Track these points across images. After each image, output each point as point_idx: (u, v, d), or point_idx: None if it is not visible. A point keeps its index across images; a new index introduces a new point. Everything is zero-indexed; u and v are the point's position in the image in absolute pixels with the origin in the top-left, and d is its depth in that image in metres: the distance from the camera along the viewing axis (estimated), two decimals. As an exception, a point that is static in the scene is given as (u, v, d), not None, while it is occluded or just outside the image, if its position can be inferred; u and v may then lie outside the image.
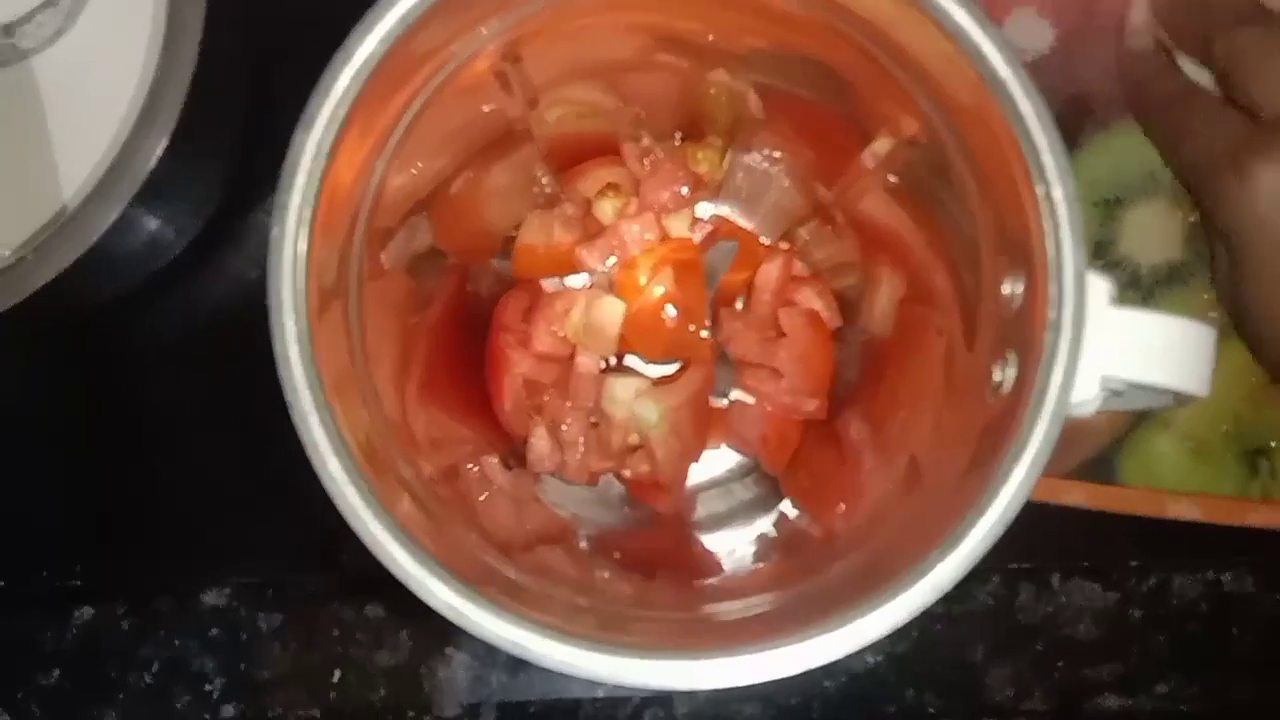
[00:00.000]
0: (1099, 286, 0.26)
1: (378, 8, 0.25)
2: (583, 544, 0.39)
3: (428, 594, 0.25)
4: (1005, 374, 0.27)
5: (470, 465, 0.38)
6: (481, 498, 0.38)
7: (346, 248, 0.29)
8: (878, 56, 0.29)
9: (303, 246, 0.25)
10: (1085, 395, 0.26)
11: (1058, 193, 0.25)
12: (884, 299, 0.39)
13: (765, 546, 0.40)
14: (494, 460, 0.38)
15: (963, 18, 0.25)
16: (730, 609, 0.30)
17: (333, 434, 0.24)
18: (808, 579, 0.31)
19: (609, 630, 0.27)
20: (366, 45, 0.25)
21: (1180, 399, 0.28)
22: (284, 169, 0.25)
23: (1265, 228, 0.36)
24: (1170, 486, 0.43)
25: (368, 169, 0.30)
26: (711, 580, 0.37)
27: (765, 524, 0.41)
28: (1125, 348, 0.26)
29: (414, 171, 0.34)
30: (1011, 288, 0.27)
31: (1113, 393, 0.27)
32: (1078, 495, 0.43)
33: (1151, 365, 0.26)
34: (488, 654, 0.44)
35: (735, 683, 0.25)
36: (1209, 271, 0.44)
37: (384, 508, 0.24)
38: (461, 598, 0.24)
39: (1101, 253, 0.44)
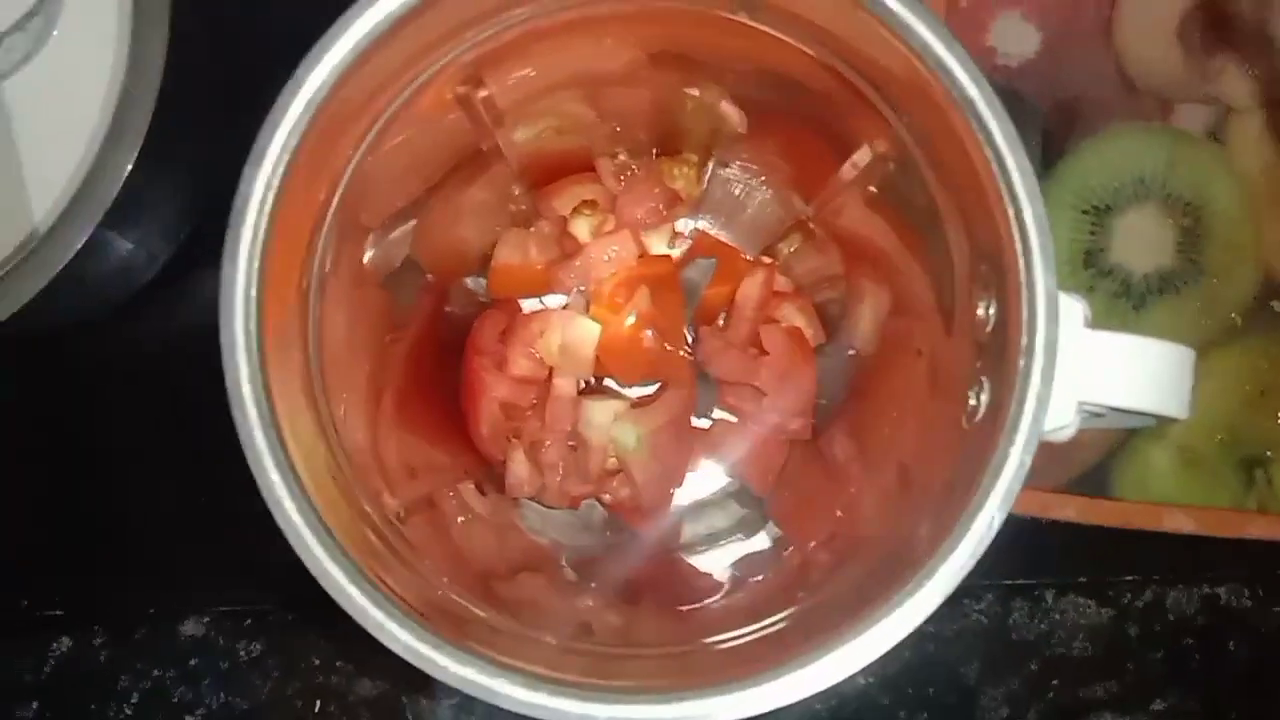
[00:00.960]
0: (1074, 308, 0.25)
1: (327, 38, 0.25)
2: (565, 571, 0.38)
3: (392, 640, 0.24)
4: (980, 399, 0.26)
5: (449, 493, 0.37)
6: (459, 521, 0.37)
7: (307, 273, 0.28)
8: (848, 75, 0.28)
9: (254, 289, 0.24)
10: (1062, 420, 0.25)
11: (1028, 215, 0.24)
12: (869, 313, 0.39)
13: (753, 568, 0.39)
14: (470, 486, 0.37)
15: (929, 36, 0.24)
16: (720, 639, 0.29)
17: (290, 480, 0.24)
18: (797, 604, 0.30)
19: (599, 673, 0.26)
20: (316, 76, 0.25)
21: (1162, 420, 0.27)
22: (234, 205, 0.24)
23: None
24: (1165, 499, 0.43)
25: (328, 196, 0.29)
26: (699, 606, 0.36)
27: (753, 544, 0.40)
28: (1102, 371, 0.25)
29: (389, 185, 0.33)
30: (985, 309, 0.27)
31: (1092, 414, 0.26)
32: (1071, 510, 0.42)
33: (1129, 389, 0.26)
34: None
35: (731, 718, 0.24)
36: (1201, 277, 0.43)
37: (345, 555, 0.24)
38: (432, 647, 0.24)
39: (1092, 261, 0.44)
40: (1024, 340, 0.24)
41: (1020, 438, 0.24)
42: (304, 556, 0.24)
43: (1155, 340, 0.26)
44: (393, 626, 0.24)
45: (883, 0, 0.24)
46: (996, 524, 0.24)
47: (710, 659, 0.30)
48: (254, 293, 0.24)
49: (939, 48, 0.24)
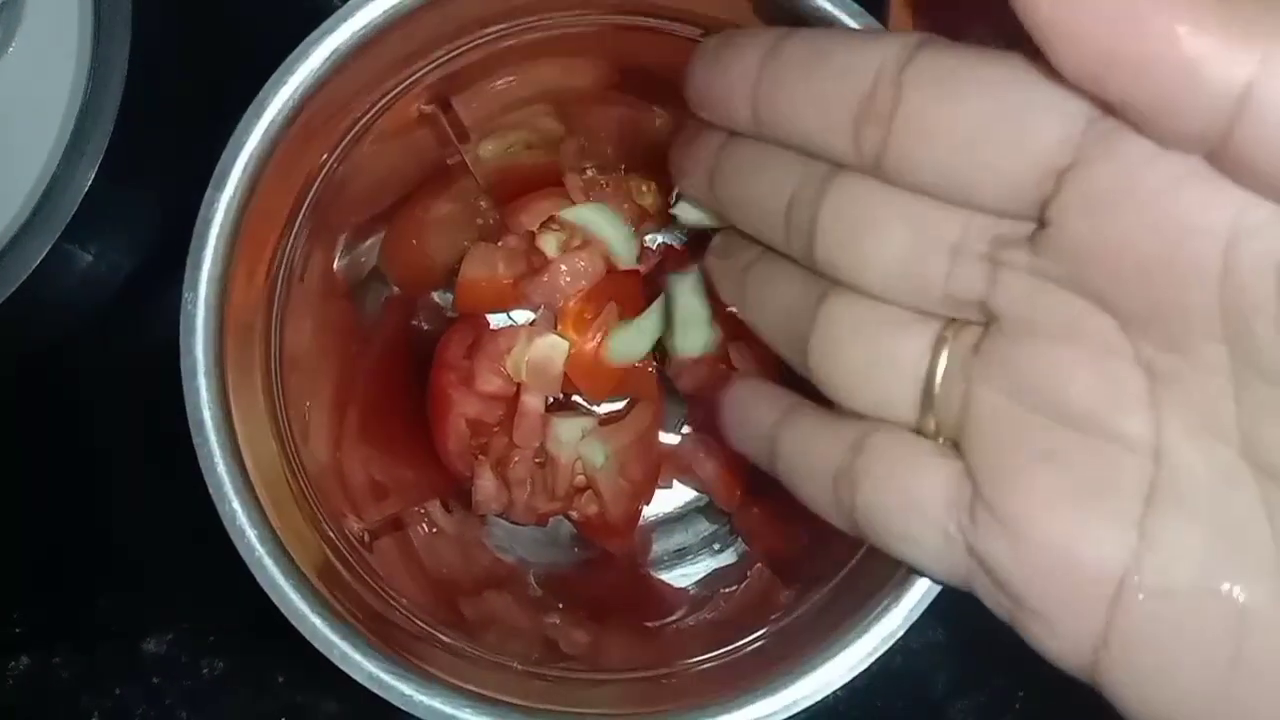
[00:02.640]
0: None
1: (290, 60, 0.24)
2: (532, 588, 0.38)
3: (352, 667, 0.24)
4: None
5: (419, 511, 0.37)
6: (425, 533, 0.37)
7: (269, 301, 0.28)
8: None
9: (214, 315, 0.24)
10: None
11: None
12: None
13: (721, 583, 0.39)
14: (436, 504, 0.37)
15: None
16: (688, 663, 0.29)
17: (251, 507, 0.23)
18: (766, 626, 0.30)
19: (568, 701, 0.26)
20: (279, 99, 0.24)
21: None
22: (195, 229, 0.24)
23: None
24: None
25: (292, 215, 0.29)
26: (668, 624, 0.36)
27: (722, 560, 0.40)
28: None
29: (357, 196, 0.33)
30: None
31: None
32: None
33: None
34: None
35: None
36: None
37: (304, 581, 0.23)
38: (393, 675, 0.23)
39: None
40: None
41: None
42: (266, 586, 0.24)
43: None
44: (357, 657, 0.24)
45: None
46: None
47: (678, 684, 0.30)
48: (214, 318, 0.24)
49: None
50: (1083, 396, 0.17)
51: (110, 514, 0.44)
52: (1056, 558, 0.17)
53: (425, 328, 0.40)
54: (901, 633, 0.24)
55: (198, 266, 0.24)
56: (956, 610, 0.44)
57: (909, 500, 0.19)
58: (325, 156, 0.28)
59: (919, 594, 0.25)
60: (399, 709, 0.42)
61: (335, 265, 0.36)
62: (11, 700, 0.43)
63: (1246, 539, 0.17)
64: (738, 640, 0.30)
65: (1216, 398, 0.16)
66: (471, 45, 0.28)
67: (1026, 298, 0.18)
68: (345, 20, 0.25)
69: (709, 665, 0.30)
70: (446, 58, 0.28)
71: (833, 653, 0.25)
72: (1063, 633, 0.18)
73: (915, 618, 0.24)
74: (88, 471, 0.44)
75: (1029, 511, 0.18)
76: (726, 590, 0.38)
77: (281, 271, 0.28)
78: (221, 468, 0.23)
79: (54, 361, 0.44)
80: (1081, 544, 0.17)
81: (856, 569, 0.30)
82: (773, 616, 0.31)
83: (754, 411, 0.22)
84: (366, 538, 0.30)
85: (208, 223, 0.24)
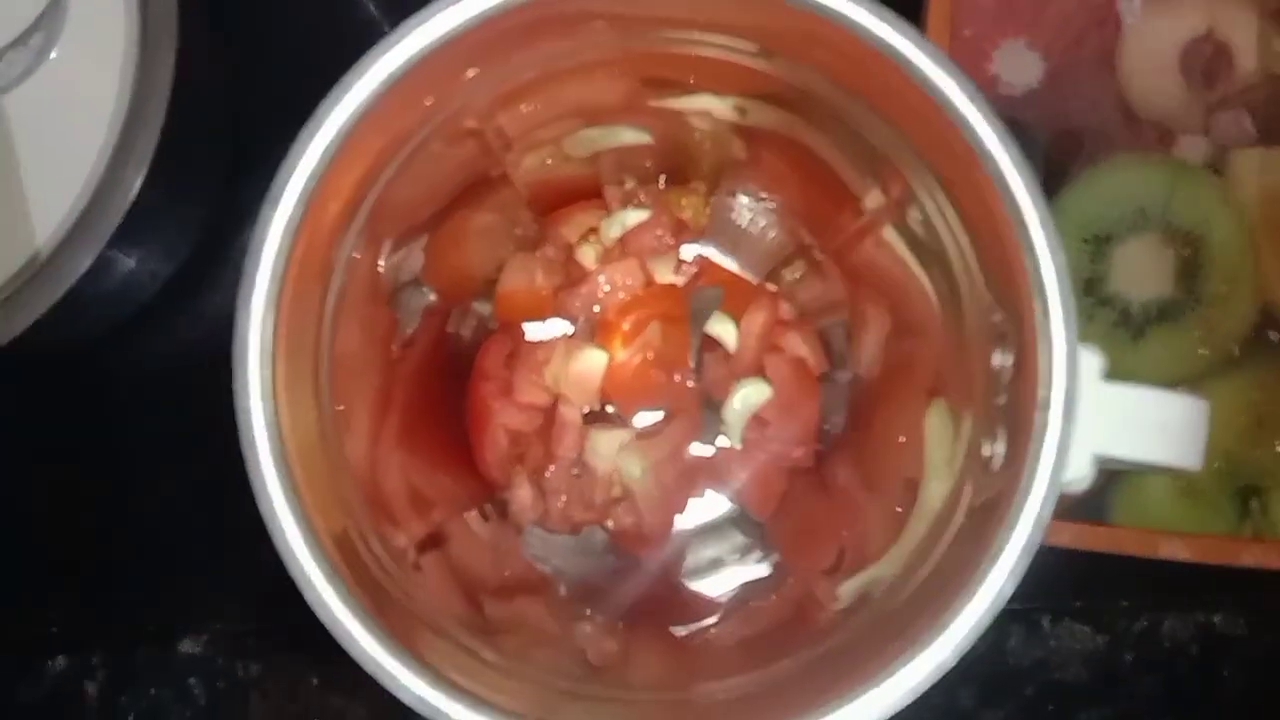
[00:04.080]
0: (1090, 362, 0.25)
1: (349, 76, 0.24)
2: (564, 595, 0.38)
3: (399, 689, 0.24)
4: (994, 449, 0.27)
5: (460, 520, 0.37)
6: (458, 543, 0.37)
7: (320, 315, 0.28)
8: (867, 120, 0.29)
9: (269, 331, 0.24)
10: (1078, 474, 0.25)
11: (1047, 269, 0.24)
12: (872, 339, 0.39)
13: (755, 594, 0.39)
14: (474, 513, 0.37)
15: (954, 91, 0.24)
16: (715, 689, 0.29)
17: (306, 530, 0.24)
18: (799, 652, 0.30)
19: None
20: (335, 117, 0.25)
21: (1176, 471, 0.27)
22: (250, 246, 0.24)
23: None
24: (1161, 526, 0.43)
25: (341, 229, 0.29)
26: (700, 637, 0.36)
27: (756, 571, 0.40)
28: (1118, 425, 0.25)
29: (395, 218, 0.33)
30: (1001, 359, 0.27)
31: (1106, 464, 0.27)
32: (1067, 536, 0.42)
33: (1145, 442, 0.26)
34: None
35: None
36: (1199, 307, 0.43)
37: (360, 603, 0.24)
38: (433, 692, 0.24)
39: (1091, 290, 0.44)
40: (1041, 394, 0.24)
41: (1038, 493, 0.24)
42: (318, 610, 0.24)
43: (1170, 393, 0.26)
44: (409, 678, 0.24)
45: (905, 55, 0.24)
46: (1017, 577, 0.24)
47: (708, 709, 0.30)
48: (269, 337, 0.24)
49: (962, 103, 0.24)
50: None
51: (146, 516, 0.44)
52: None
53: (464, 336, 0.40)
54: (945, 671, 0.24)
55: (251, 285, 0.24)
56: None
57: None
58: (377, 172, 0.28)
59: (968, 630, 0.25)
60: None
61: (380, 271, 0.36)
62: (47, 701, 0.43)
63: None
64: (771, 662, 0.30)
65: None
66: (521, 69, 0.28)
67: None
68: (402, 39, 0.25)
69: (741, 690, 0.30)
70: (504, 78, 0.28)
71: (871, 685, 0.25)
72: None
73: (961, 655, 0.24)
74: (126, 473, 0.45)
75: None
76: (759, 602, 0.38)
77: (333, 284, 0.29)
78: (281, 501, 0.24)
79: (91, 364, 0.45)
80: None
81: (891, 606, 0.30)
82: (807, 639, 0.31)
83: None
84: (411, 555, 0.30)
85: (262, 240, 0.24)
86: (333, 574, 0.24)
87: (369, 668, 0.24)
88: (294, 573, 0.24)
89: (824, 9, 0.24)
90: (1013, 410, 0.26)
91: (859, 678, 0.25)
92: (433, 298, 0.40)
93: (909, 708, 0.43)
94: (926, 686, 0.24)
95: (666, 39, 0.30)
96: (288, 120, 0.25)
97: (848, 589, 0.32)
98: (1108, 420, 0.25)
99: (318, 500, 0.25)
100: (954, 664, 0.24)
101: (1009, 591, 0.24)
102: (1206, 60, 0.43)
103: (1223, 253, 0.44)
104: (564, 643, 0.35)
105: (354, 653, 0.24)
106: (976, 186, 0.25)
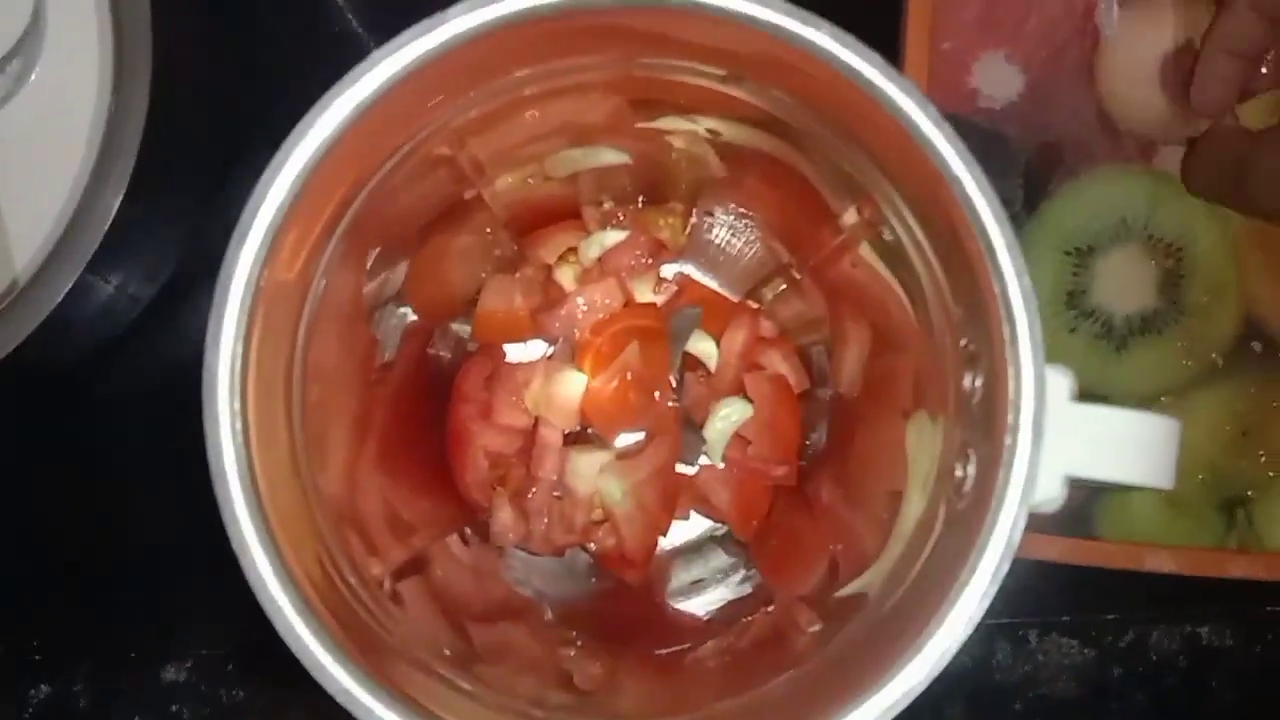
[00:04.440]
0: (1059, 383, 0.25)
1: (311, 114, 0.24)
2: (548, 620, 0.38)
3: None
4: (967, 470, 0.26)
5: (441, 545, 0.37)
6: (439, 571, 0.37)
7: (291, 348, 0.28)
8: (837, 143, 0.28)
9: (238, 364, 0.24)
10: (1049, 494, 0.25)
11: (1014, 293, 0.24)
12: (853, 356, 0.39)
13: (739, 613, 0.39)
14: (454, 536, 0.37)
15: (918, 115, 0.24)
16: (704, 714, 0.29)
17: (276, 561, 0.24)
18: (783, 673, 0.30)
19: None
20: (303, 149, 0.24)
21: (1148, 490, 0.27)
22: (218, 284, 0.24)
23: None
24: (1147, 539, 0.43)
25: (313, 259, 0.29)
26: (684, 660, 0.36)
27: (739, 590, 0.40)
28: (1089, 446, 0.25)
29: (369, 241, 0.33)
30: (971, 382, 0.27)
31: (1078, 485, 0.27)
32: (1054, 550, 0.42)
33: (1116, 462, 0.26)
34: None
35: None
36: (1182, 318, 0.43)
37: (333, 636, 0.24)
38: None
39: (1074, 302, 0.44)
40: (1010, 419, 0.24)
41: (1007, 516, 0.24)
42: (288, 639, 0.24)
43: (1140, 412, 0.26)
44: (382, 709, 0.24)
45: (873, 82, 0.24)
46: (986, 600, 0.24)
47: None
48: (238, 373, 0.24)
49: (928, 127, 0.24)
50: None
51: (129, 541, 0.44)
52: None
53: (444, 357, 0.40)
54: (921, 690, 0.24)
55: (219, 322, 0.24)
56: (974, 638, 0.44)
57: None
58: (348, 197, 0.28)
59: (940, 651, 0.25)
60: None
61: (361, 293, 0.36)
62: (32, 728, 0.43)
63: None
64: (756, 685, 0.30)
65: None
66: (495, 94, 0.28)
67: None
68: (372, 69, 0.25)
69: (723, 716, 0.30)
70: (470, 104, 0.28)
71: (851, 705, 0.25)
72: None
73: (935, 676, 0.24)
74: (108, 498, 0.45)
75: None
76: (742, 621, 0.38)
77: (307, 313, 0.28)
78: (248, 523, 0.24)
79: (71, 388, 0.44)
80: None
81: (867, 626, 0.30)
82: (791, 660, 0.31)
83: None
84: (386, 584, 0.30)
85: (229, 277, 0.24)
86: (304, 605, 0.24)
87: (340, 698, 0.24)
88: (264, 603, 0.24)
89: (789, 34, 0.24)
90: (982, 433, 0.26)
91: (836, 699, 0.25)
92: (413, 319, 0.40)
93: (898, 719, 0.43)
94: (901, 707, 0.24)
95: (641, 65, 0.30)
96: (269, 140, 0.25)
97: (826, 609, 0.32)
98: (1078, 442, 0.25)
99: (289, 532, 0.25)
100: (925, 686, 0.24)
101: (978, 615, 0.24)
102: (1186, 71, 0.43)
103: (1205, 263, 0.43)
104: (549, 667, 0.35)
105: (324, 682, 0.24)
106: (945, 211, 0.25)
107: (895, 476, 0.34)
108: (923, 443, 0.32)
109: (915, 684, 0.25)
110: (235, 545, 0.24)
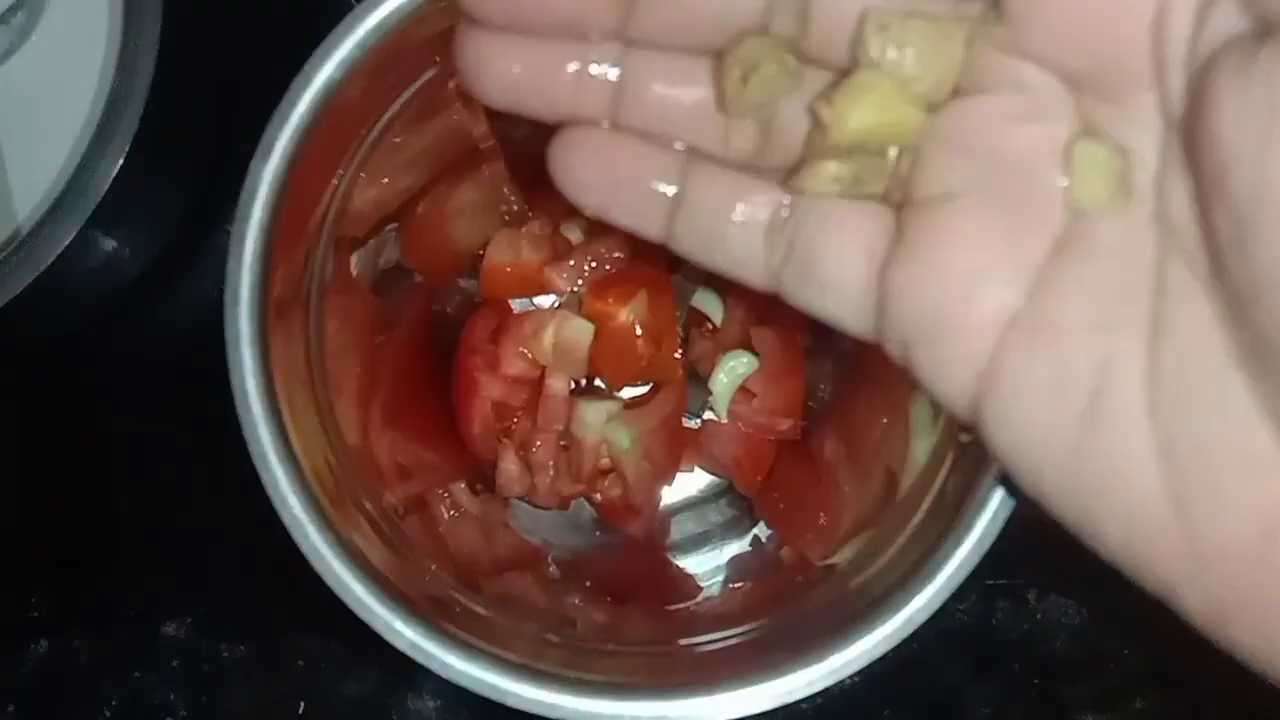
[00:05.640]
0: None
1: (335, 35, 0.25)
2: (553, 569, 0.38)
3: (393, 634, 0.24)
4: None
5: (441, 493, 0.37)
6: (448, 517, 0.37)
7: (307, 271, 0.28)
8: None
9: (257, 280, 0.24)
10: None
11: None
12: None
13: (740, 569, 0.39)
14: (461, 486, 0.37)
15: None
16: (704, 640, 0.29)
17: (291, 472, 0.24)
18: (782, 608, 0.30)
19: (578, 666, 0.26)
20: (324, 71, 0.25)
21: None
22: (240, 199, 0.24)
23: None
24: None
25: (329, 191, 0.29)
26: (685, 607, 0.36)
27: (741, 545, 0.40)
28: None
29: (379, 188, 0.33)
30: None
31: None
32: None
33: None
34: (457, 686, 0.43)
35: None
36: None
37: (344, 546, 0.24)
38: (425, 638, 0.24)
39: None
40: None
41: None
42: (309, 554, 0.24)
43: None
44: (396, 622, 0.24)
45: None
46: (999, 521, 0.25)
47: (691, 660, 0.30)
48: (258, 288, 0.24)
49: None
50: (1020, 146, 0.18)
51: (129, 498, 0.44)
52: (958, 287, 0.18)
53: (450, 313, 0.40)
54: (923, 619, 0.24)
55: (243, 236, 0.24)
56: (975, 598, 0.44)
57: (840, 247, 0.20)
58: (366, 131, 0.28)
59: (940, 584, 0.25)
60: (417, 688, 0.42)
61: (360, 253, 0.36)
62: (30, 684, 0.43)
63: (1132, 296, 0.17)
64: (751, 624, 0.30)
65: (1144, 152, 0.17)
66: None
67: (974, 63, 0.18)
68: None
69: (725, 643, 0.30)
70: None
71: (845, 642, 0.25)
72: (950, 368, 0.18)
73: (922, 619, 0.25)
74: (107, 456, 0.44)
75: (944, 243, 0.18)
76: (745, 578, 0.39)
77: (320, 246, 0.29)
78: (266, 434, 0.24)
79: (73, 346, 0.44)
80: (984, 278, 0.18)
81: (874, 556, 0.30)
82: (790, 602, 0.32)
83: (639, 167, 0.21)
84: (400, 510, 0.30)
85: (253, 192, 0.24)
86: (320, 517, 0.24)
87: (362, 613, 0.24)
88: (290, 525, 0.24)
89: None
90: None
91: (828, 637, 0.25)
92: (417, 278, 0.40)
93: (895, 679, 0.43)
94: (911, 629, 0.25)
95: None
96: (272, 104, 0.25)
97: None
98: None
99: (308, 451, 0.25)
100: (937, 607, 0.25)
101: (995, 531, 0.25)
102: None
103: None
104: (554, 613, 0.35)
105: (343, 595, 0.24)
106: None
107: (896, 443, 0.34)
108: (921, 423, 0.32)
109: (920, 613, 0.25)
110: (257, 461, 0.24)
